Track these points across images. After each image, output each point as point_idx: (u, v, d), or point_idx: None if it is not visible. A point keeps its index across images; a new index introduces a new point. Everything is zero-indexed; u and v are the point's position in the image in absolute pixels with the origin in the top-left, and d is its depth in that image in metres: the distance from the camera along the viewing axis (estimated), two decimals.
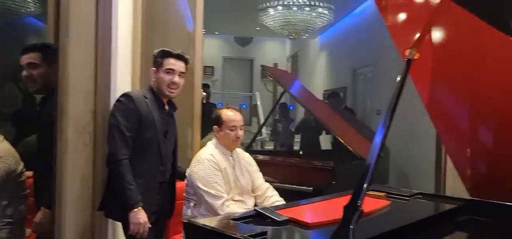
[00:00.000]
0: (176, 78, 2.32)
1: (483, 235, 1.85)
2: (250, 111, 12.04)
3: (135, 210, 2.15)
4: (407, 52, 1.53)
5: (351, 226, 1.23)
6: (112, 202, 2.26)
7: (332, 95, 6.56)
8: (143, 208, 2.18)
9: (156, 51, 2.35)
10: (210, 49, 12.04)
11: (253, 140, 5.55)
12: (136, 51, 2.60)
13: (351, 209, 1.28)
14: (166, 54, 2.32)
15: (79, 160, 2.30)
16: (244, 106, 12.06)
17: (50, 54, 2.37)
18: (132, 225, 2.16)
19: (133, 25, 2.59)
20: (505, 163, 1.77)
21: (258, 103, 10.18)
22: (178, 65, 2.33)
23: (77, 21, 2.30)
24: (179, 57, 2.34)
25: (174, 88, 2.33)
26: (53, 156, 2.26)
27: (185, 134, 3.06)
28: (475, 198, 1.93)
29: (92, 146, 2.35)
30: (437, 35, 1.62)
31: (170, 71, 2.31)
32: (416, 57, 1.54)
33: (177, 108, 2.46)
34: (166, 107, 2.38)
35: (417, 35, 1.55)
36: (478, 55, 1.57)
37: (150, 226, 2.20)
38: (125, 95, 2.26)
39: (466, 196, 1.98)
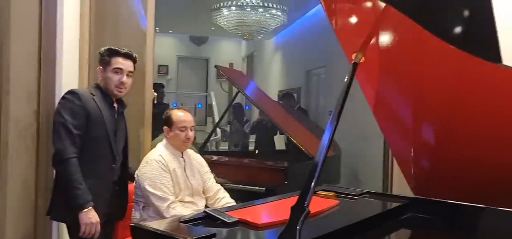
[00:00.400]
0: (125, 78, 2.27)
1: (425, 231, 1.94)
2: (206, 111, 11.96)
3: (85, 210, 2.08)
4: (353, 56, 1.58)
5: (297, 227, 1.24)
6: (57, 203, 2.18)
7: (286, 96, 6.63)
8: (94, 208, 2.12)
9: (103, 49, 2.28)
10: (164, 48, 11.85)
11: (207, 140, 5.52)
12: (83, 50, 2.53)
13: (298, 209, 1.29)
14: (113, 52, 2.26)
15: (20, 163, 2.20)
16: (199, 106, 11.96)
17: None
18: (83, 225, 2.09)
19: (81, 23, 2.51)
20: (446, 162, 1.86)
21: (213, 103, 10.13)
22: (126, 65, 2.28)
23: (19, 18, 2.20)
24: (127, 56, 2.29)
25: (122, 88, 2.28)
26: None
27: (136, 134, 3.00)
28: (418, 196, 2.01)
29: (35, 148, 2.25)
30: (382, 39, 1.68)
31: (118, 70, 2.25)
32: (362, 61, 1.58)
33: (126, 106, 2.41)
34: (115, 105, 2.32)
35: (363, 40, 1.60)
36: (420, 59, 1.64)
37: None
38: (70, 92, 2.19)
39: (411, 194, 2.06)
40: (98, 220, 2.12)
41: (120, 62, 2.25)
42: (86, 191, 2.09)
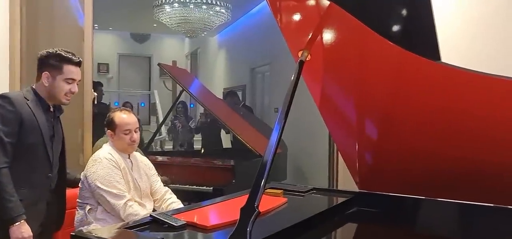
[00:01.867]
0: (76, 88, 2.15)
1: (371, 224, 2.00)
2: (149, 111, 11.69)
3: (17, 223, 1.95)
4: (299, 53, 1.58)
5: (248, 228, 1.22)
6: None
7: (230, 94, 6.61)
8: (28, 220, 1.99)
9: (50, 52, 2.11)
10: (104, 46, 11.43)
11: (152, 140, 5.38)
12: (14, 49, 2.36)
13: (248, 210, 1.27)
14: (65, 60, 2.10)
15: None
16: (142, 105, 11.66)
17: None
18: None
19: (11, 22, 2.34)
20: (388, 157, 1.92)
21: (157, 101, 9.92)
22: (78, 74, 2.16)
23: None
24: (79, 64, 2.16)
25: (70, 98, 2.16)
26: None
27: (74, 136, 2.87)
28: (363, 190, 2.07)
29: None
30: (327, 37, 1.69)
31: (70, 80, 2.12)
32: (308, 58, 1.59)
33: (63, 111, 2.27)
34: (52, 109, 2.18)
35: (309, 38, 1.61)
36: (362, 56, 1.67)
37: None
38: (1, 97, 2.02)
39: (355, 188, 2.11)
40: (31, 234, 1.99)
41: (74, 72, 2.13)
42: (18, 204, 1.96)
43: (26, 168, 2.05)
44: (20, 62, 2.41)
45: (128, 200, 2.28)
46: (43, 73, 2.11)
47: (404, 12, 1.56)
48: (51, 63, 2.10)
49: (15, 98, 2.03)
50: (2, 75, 2.30)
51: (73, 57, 2.14)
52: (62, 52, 2.12)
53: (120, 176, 2.31)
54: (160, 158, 4.42)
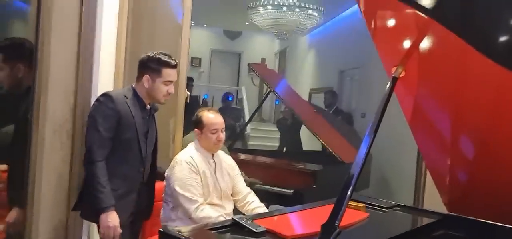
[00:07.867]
0: (173, 89, 2.29)
1: None
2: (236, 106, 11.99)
3: (106, 212, 2.11)
4: (393, 69, 1.52)
5: None
6: (88, 202, 2.21)
7: (329, 92, 6.59)
8: (121, 210, 2.15)
9: (150, 56, 2.25)
10: (198, 41, 11.91)
11: (238, 137, 5.50)
12: (120, 48, 2.53)
13: (329, 228, 1.26)
14: (164, 63, 2.24)
15: (55, 158, 2.24)
16: (229, 99, 11.97)
17: (14, 52, 2.24)
18: (102, 228, 2.13)
19: (119, 21, 2.52)
20: (482, 181, 1.79)
21: (244, 97, 10.15)
22: (175, 75, 2.29)
23: (60, 14, 2.22)
24: (176, 66, 2.29)
25: (168, 98, 2.30)
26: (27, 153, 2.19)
27: (166, 128, 3.00)
28: (451, 213, 1.95)
29: (70, 145, 2.29)
30: (423, 53, 1.61)
31: (168, 83, 2.26)
32: (402, 75, 1.53)
33: (158, 109, 2.41)
34: (148, 107, 2.33)
35: (404, 53, 1.54)
36: (462, 75, 1.57)
37: (121, 231, 2.16)
38: (104, 95, 2.21)
39: (443, 210, 1.99)
40: (117, 223, 2.14)
41: (171, 74, 2.26)
42: (109, 195, 2.11)
43: (121, 161, 2.20)
44: (124, 62, 2.58)
45: (200, 204, 2.34)
46: (143, 76, 2.26)
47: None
48: (151, 66, 2.24)
49: (115, 97, 2.20)
50: (108, 75, 2.48)
51: (171, 61, 2.26)
52: (161, 56, 2.24)
53: (197, 180, 2.38)
54: (242, 156, 4.50)
